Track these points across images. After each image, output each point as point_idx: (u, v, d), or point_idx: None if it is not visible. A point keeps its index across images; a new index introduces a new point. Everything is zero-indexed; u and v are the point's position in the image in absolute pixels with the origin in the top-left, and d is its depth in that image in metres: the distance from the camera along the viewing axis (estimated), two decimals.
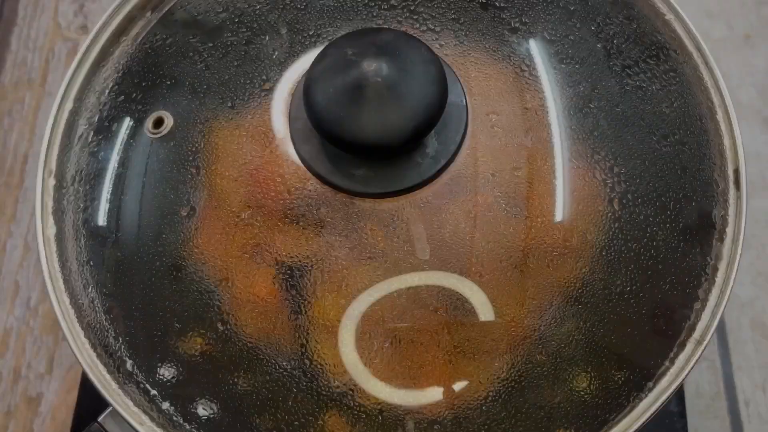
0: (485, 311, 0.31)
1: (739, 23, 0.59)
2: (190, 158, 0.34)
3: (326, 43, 0.32)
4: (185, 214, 0.33)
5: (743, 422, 0.49)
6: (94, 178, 0.35)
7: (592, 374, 0.31)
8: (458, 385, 0.31)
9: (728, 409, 0.49)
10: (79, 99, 0.36)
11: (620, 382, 0.31)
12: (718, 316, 0.31)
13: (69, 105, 0.36)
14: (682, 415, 0.44)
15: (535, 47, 0.34)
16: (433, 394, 0.31)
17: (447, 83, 0.30)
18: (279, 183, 0.32)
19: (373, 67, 0.29)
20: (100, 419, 0.34)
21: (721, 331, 0.51)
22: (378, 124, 0.29)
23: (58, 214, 0.34)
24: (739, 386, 0.49)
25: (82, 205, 0.34)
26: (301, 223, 0.32)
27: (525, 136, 0.33)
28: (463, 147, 0.32)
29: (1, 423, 0.50)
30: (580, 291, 0.31)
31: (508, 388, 0.31)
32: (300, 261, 0.32)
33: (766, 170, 0.55)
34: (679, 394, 0.44)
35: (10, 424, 0.50)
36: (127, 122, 0.35)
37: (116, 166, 0.34)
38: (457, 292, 0.31)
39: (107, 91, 0.36)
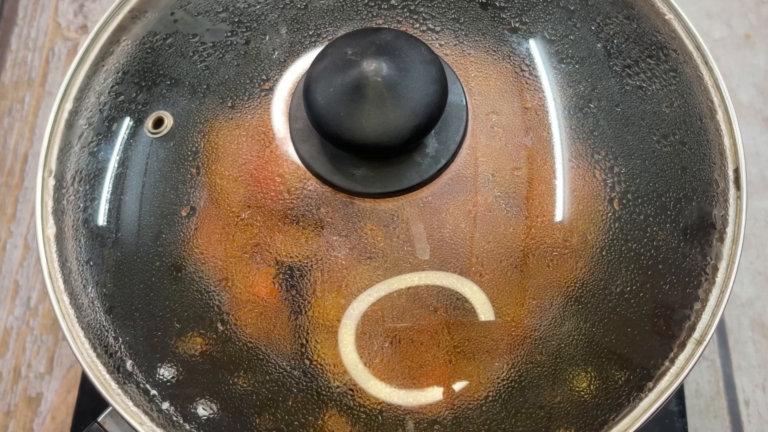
0: (485, 311, 0.31)
1: (738, 23, 0.59)
2: (190, 158, 0.34)
3: (326, 43, 0.32)
4: (185, 214, 0.33)
5: (743, 422, 0.49)
6: (94, 178, 0.35)
7: (592, 374, 0.31)
8: (458, 385, 0.31)
9: (728, 409, 0.49)
10: (79, 99, 0.36)
11: (620, 382, 0.31)
12: (718, 316, 0.31)
13: (69, 105, 0.36)
14: (682, 415, 0.44)
15: (535, 47, 0.34)
16: (433, 394, 0.31)
17: (447, 83, 0.30)
18: (279, 183, 0.32)
19: (373, 66, 0.29)
20: (100, 419, 0.34)
21: (721, 331, 0.51)
22: (378, 123, 0.29)
23: (58, 213, 0.34)
24: (738, 386, 0.50)
25: (81, 205, 0.34)
26: (301, 223, 0.32)
27: (525, 135, 0.33)
28: (463, 147, 0.32)
29: (1, 423, 0.50)
30: (580, 291, 0.31)
31: (508, 388, 0.31)
32: (300, 261, 0.32)
33: (766, 170, 0.55)
34: (679, 394, 0.44)
35: (10, 424, 0.50)
36: (127, 122, 0.35)
37: (116, 166, 0.34)
38: (457, 292, 0.31)
39: (107, 91, 0.36)
